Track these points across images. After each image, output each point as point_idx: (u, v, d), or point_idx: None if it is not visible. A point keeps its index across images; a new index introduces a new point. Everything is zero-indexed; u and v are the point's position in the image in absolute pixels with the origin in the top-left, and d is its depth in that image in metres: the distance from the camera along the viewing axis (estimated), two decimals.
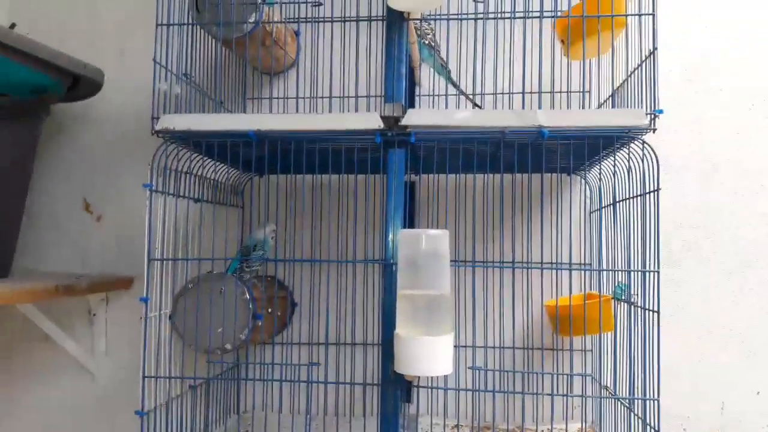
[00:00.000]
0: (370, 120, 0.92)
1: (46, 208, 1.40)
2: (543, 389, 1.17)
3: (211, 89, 1.20)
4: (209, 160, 1.11)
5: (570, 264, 1.04)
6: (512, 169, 0.99)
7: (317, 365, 0.92)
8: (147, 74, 1.00)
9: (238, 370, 1.27)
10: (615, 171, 0.97)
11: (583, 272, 1.22)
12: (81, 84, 1.23)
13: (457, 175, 1.22)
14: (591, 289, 1.29)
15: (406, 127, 0.92)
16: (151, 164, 0.95)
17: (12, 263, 1.22)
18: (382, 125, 0.92)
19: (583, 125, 0.90)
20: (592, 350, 1.28)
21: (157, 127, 0.95)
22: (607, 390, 1.14)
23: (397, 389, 0.91)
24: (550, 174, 1.29)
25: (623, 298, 1.08)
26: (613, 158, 0.98)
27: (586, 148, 0.95)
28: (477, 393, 1.09)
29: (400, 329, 0.87)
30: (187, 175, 1.04)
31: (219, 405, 1.22)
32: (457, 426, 1.26)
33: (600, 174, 1.10)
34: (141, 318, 0.96)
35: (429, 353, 0.84)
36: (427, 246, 0.85)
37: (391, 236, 0.92)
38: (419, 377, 0.88)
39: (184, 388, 1.06)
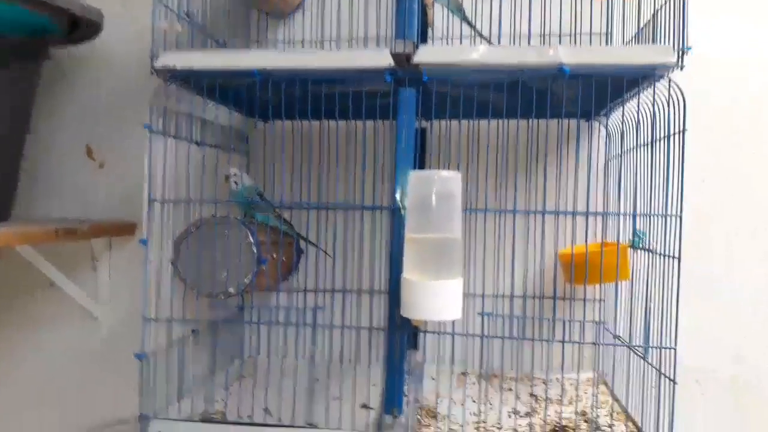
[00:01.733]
0: (380, 57, 0.87)
1: (47, 156, 1.37)
2: (554, 337, 1.15)
3: (214, 31, 1.14)
4: (212, 103, 1.06)
5: (587, 211, 1.00)
6: (529, 114, 0.94)
7: (322, 309, 0.90)
8: (149, 16, 0.94)
9: (242, 315, 1.25)
10: (639, 110, 0.92)
11: (600, 219, 1.18)
12: (80, 25, 1.18)
13: (470, 121, 1.17)
14: (608, 239, 1.25)
15: (417, 65, 0.87)
16: (150, 104, 0.91)
17: (12, 207, 1.19)
18: (392, 63, 0.87)
19: (607, 62, 0.85)
20: (604, 300, 1.25)
21: (157, 65, 0.90)
22: (620, 339, 1.11)
23: (403, 335, 0.89)
24: (568, 120, 1.24)
25: (641, 245, 1.04)
26: (637, 99, 0.93)
27: (608, 88, 0.90)
28: (486, 340, 1.07)
29: (408, 273, 0.84)
30: (189, 117, 1.01)
31: (222, 350, 1.21)
32: (464, 373, 1.24)
33: (623, 118, 1.04)
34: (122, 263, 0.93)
35: (437, 297, 0.81)
36: (438, 188, 0.81)
37: (400, 180, 0.88)
38: (426, 322, 0.85)
39: (186, 332, 1.04)
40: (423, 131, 1.21)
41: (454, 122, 1.21)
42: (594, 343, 1.12)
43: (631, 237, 1.07)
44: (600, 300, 1.23)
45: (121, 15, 1.31)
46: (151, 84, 0.95)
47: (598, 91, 0.94)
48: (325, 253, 1.17)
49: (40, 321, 1.37)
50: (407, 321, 0.87)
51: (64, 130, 1.36)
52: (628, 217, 1.10)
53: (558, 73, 0.85)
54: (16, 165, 1.19)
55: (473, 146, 1.12)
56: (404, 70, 0.87)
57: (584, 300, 1.15)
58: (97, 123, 1.35)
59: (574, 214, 1.01)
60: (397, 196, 0.86)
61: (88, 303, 1.32)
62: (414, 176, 0.83)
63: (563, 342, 0.97)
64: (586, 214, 0.95)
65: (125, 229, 1.29)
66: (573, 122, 1.25)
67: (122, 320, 1.35)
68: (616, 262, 1.05)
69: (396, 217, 0.88)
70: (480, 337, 1.01)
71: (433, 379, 1.21)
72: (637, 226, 1.05)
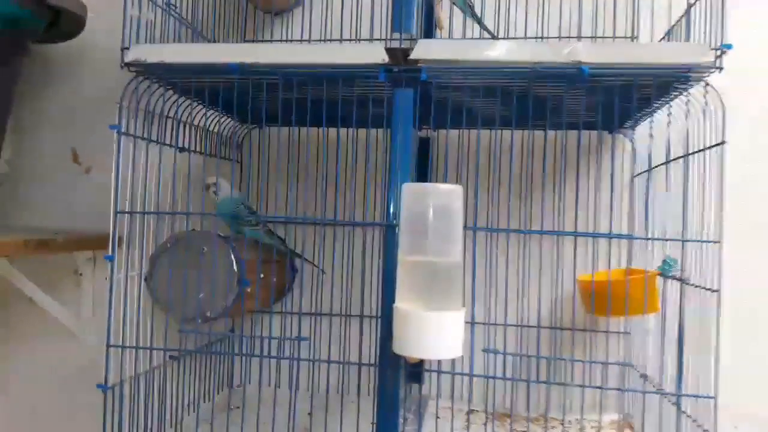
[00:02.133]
0: (373, 52, 0.76)
1: (31, 160, 1.29)
2: (573, 376, 1.02)
3: (206, 30, 1.06)
4: (197, 105, 0.97)
5: (610, 232, 0.88)
6: (542, 124, 0.83)
7: (305, 340, 0.79)
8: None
9: (225, 342, 1.15)
10: (670, 119, 0.80)
11: (624, 243, 1.06)
12: (62, 19, 1.10)
13: (478, 131, 1.06)
14: (631, 265, 1.13)
15: (416, 62, 0.77)
16: (120, 102, 0.82)
17: None
18: (387, 59, 0.76)
19: (633, 62, 0.74)
20: (629, 333, 1.12)
21: (127, 59, 0.81)
22: (647, 380, 0.99)
23: (397, 371, 0.77)
24: (588, 131, 1.12)
25: (672, 274, 0.92)
26: (668, 107, 0.82)
27: (634, 94, 0.78)
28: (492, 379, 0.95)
29: (401, 302, 0.73)
30: (170, 120, 0.91)
31: (207, 378, 1.10)
32: (469, 412, 1.12)
33: (651, 128, 0.92)
34: (106, 279, 0.84)
35: (434, 332, 0.70)
36: (436, 203, 0.70)
37: (395, 193, 0.78)
38: (422, 360, 0.74)
39: (163, 359, 0.94)
40: (427, 141, 1.10)
41: (461, 132, 1.11)
42: (618, 389, 0.99)
43: (660, 264, 0.95)
44: (625, 333, 1.11)
45: (107, 8, 1.22)
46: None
47: (622, 98, 0.83)
48: (322, 271, 1.07)
49: (17, 340, 1.28)
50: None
51: (47, 134, 1.28)
52: (656, 242, 0.98)
53: (576, 74, 0.73)
54: None
55: (480, 159, 1.01)
56: (401, 67, 0.77)
57: (607, 332, 1.02)
58: (83, 125, 1.27)
59: (595, 236, 0.89)
60: None
61: (70, 321, 1.23)
62: (408, 190, 0.72)
63: (583, 387, 0.84)
64: (609, 236, 0.83)
65: (108, 241, 1.19)
66: (594, 134, 1.13)
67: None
68: (643, 292, 0.93)
69: (389, 234, 0.78)
70: (484, 378, 0.89)
71: (439, 417, 1.09)
72: (669, 252, 0.93)
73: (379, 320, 0.74)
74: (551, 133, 1.07)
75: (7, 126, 1.16)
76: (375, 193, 1.06)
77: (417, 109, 0.76)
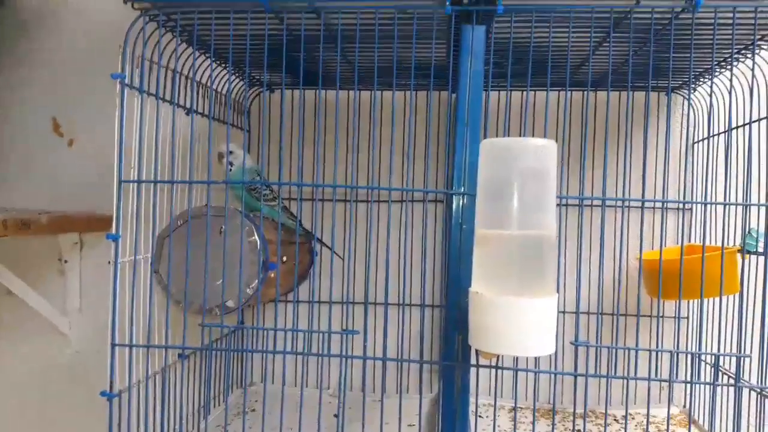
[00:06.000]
0: None
1: (6, 132, 1.12)
2: (636, 372, 0.91)
3: None
4: (206, 59, 0.82)
5: (683, 200, 0.76)
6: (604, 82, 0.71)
7: (355, 333, 0.66)
8: None
9: (242, 337, 1.01)
10: (732, 86, 0.68)
11: (698, 212, 0.94)
12: None
13: (524, 92, 0.94)
14: (691, 241, 1.02)
15: None
16: (123, 46, 0.67)
17: None
18: None
19: None
20: (687, 317, 1.02)
21: None
22: (723, 371, 0.88)
23: (466, 372, 0.64)
24: (645, 93, 1.00)
25: (756, 249, 0.81)
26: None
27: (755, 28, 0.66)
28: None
29: (478, 286, 0.60)
30: (179, 75, 0.76)
31: (218, 377, 0.96)
32: (514, 409, 1.00)
33: (712, 92, 0.80)
34: (110, 263, 0.69)
35: (524, 322, 0.57)
36: (527, 163, 0.57)
37: (462, 155, 0.64)
38: (500, 356, 0.61)
39: (172, 357, 0.80)
40: None
41: (505, 94, 0.98)
42: (688, 382, 0.88)
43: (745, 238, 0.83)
44: (682, 317, 1.00)
45: None
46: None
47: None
48: (338, 255, 0.95)
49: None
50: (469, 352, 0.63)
51: (25, 100, 1.11)
52: (739, 209, 0.86)
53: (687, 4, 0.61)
54: None
55: (527, 119, 0.88)
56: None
57: (678, 318, 0.90)
58: (64, 91, 1.10)
59: (664, 203, 0.77)
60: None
61: (53, 315, 1.08)
62: (487, 147, 0.59)
63: (648, 380, 0.72)
64: (681, 203, 0.71)
65: (98, 223, 1.03)
66: (651, 96, 1.01)
67: (96, 336, 1.10)
68: (720, 271, 0.81)
69: (457, 205, 0.64)
70: (534, 373, 0.77)
71: (481, 417, 0.97)
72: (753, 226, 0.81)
73: (436, 309, 0.63)
74: (601, 95, 0.95)
75: None
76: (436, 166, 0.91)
77: (492, 51, 0.62)
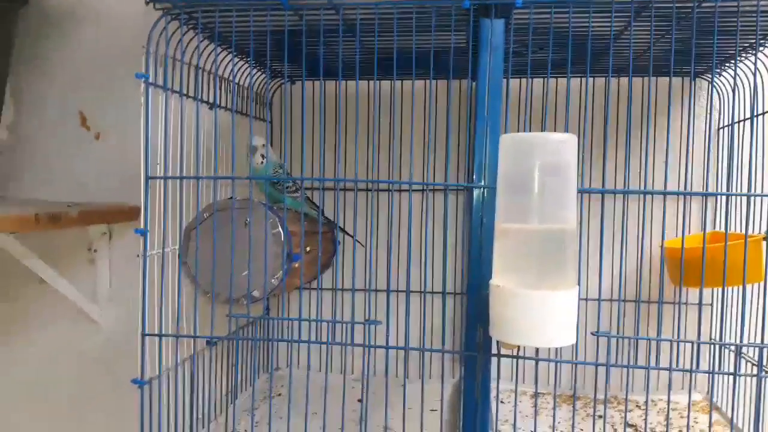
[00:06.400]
0: None
1: (33, 126, 1.15)
2: (658, 362, 0.91)
3: None
4: (228, 54, 0.83)
5: (705, 191, 0.75)
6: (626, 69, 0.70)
7: (377, 324, 0.68)
8: None
9: (268, 324, 1.03)
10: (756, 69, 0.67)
11: (720, 202, 0.93)
12: None
13: (545, 79, 0.94)
14: (715, 228, 1.01)
15: None
16: (147, 46, 0.68)
17: None
18: None
19: None
20: (711, 304, 1.01)
21: None
22: (746, 360, 0.88)
23: (488, 361, 0.66)
24: (666, 79, 0.99)
25: None
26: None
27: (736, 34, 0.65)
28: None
29: (499, 279, 0.60)
30: (201, 71, 0.78)
31: (245, 363, 0.99)
32: (536, 395, 1.01)
33: (735, 78, 0.79)
34: (138, 256, 0.71)
35: (544, 314, 0.58)
36: (547, 157, 0.58)
37: (482, 148, 0.65)
38: (520, 347, 0.62)
39: (200, 345, 0.82)
40: None
41: (525, 81, 0.98)
42: (710, 372, 0.88)
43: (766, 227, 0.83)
44: (705, 304, 0.99)
45: None
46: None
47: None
48: (360, 243, 0.96)
49: (28, 324, 1.16)
50: (490, 342, 0.64)
51: (53, 95, 1.13)
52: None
53: None
54: None
55: (548, 106, 0.88)
56: None
57: (700, 304, 0.90)
58: (91, 85, 1.12)
59: (687, 194, 0.76)
60: None
61: (84, 303, 1.11)
62: (507, 141, 0.59)
63: (670, 370, 0.73)
64: (704, 195, 0.70)
65: (126, 214, 1.06)
66: (676, 81, 1.00)
67: (126, 323, 1.13)
68: (743, 259, 0.81)
69: (477, 198, 0.65)
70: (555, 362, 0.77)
71: (503, 402, 0.98)
72: None
73: (458, 297, 0.63)
74: (623, 81, 0.94)
75: (6, 87, 1.02)
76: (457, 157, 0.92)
77: (512, 43, 0.62)
